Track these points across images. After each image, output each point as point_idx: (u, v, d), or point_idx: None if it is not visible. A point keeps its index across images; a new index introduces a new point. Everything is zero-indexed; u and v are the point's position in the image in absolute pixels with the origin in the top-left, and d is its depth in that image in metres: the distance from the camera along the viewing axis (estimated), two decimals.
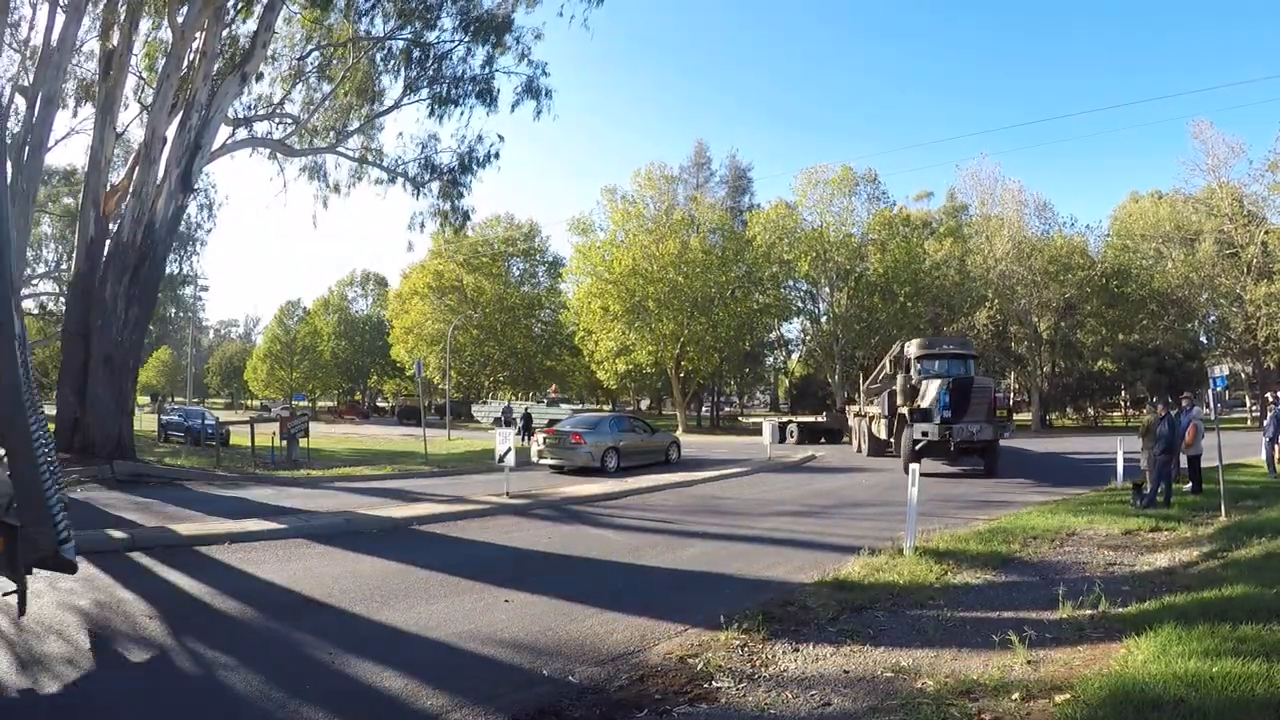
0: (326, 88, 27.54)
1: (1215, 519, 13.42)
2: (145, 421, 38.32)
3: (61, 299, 41.79)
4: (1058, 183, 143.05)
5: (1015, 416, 69.84)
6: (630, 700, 5.65)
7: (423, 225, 29.33)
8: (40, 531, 5.94)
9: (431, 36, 26.67)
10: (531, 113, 28.02)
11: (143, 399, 65.50)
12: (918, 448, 22.00)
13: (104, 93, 22.12)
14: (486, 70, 27.14)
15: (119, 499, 15.71)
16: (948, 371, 23.90)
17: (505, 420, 40.26)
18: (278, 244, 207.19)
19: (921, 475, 11.81)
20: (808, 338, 64.67)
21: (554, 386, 56.87)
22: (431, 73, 27.07)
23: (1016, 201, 59.80)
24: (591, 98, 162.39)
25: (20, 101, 22.73)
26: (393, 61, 27.05)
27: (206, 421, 37.85)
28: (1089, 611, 7.63)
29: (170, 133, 21.79)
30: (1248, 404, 62.85)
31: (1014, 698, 5.37)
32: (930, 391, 22.80)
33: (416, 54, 26.74)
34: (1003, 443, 23.59)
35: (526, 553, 11.64)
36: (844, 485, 20.86)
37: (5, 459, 6.33)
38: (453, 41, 26.80)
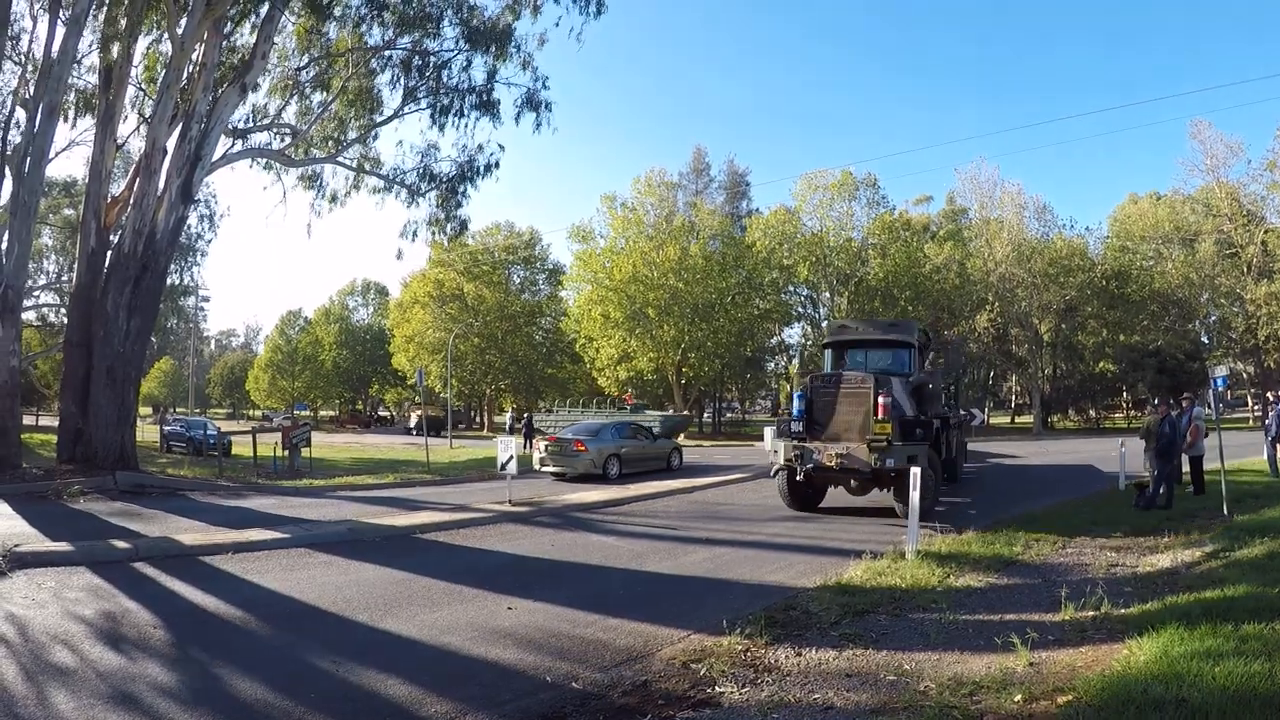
0: (325, 98, 27.53)
1: (1217, 519, 13.43)
2: (147, 432, 38.40)
3: (63, 310, 41.74)
4: (1057, 185, 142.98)
5: (1017, 419, 69.79)
6: (633, 706, 5.67)
7: (415, 234, 29.16)
8: None
9: (432, 45, 26.65)
10: (531, 124, 27.94)
11: (145, 410, 65.60)
12: (773, 474, 16.92)
13: (104, 104, 22.15)
14: (488, 81, 27.12)
15: (122, 509, 15.73)
16: (865, 367, 17.51)
17: (510, 428, 40.19)
18: (278, 254, 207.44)
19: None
20: (809, 343, 64.64)
21: (629, 392, 56.29)
22: (432, 82, 27.01)
23: (1016, 204, 59.80)
24: (591, 105, 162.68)
25: (21, 114, 22.77)
26: (392, 71, 27.05)
27: (209, 432, 37.92)
28: (1091, 613, 7.64)
29: (170, 144, 21.82)
30: (1249, 404, 62.81)
31: (1016, 699, 5.38)
32: None
33: (417, 63, 26.71)
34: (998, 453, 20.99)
35: (529, 560, 11.65)
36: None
37: None
38: (453, 51, 26.82)
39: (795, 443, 15.57)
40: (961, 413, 24.78)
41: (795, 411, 16.08)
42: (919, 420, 15.63)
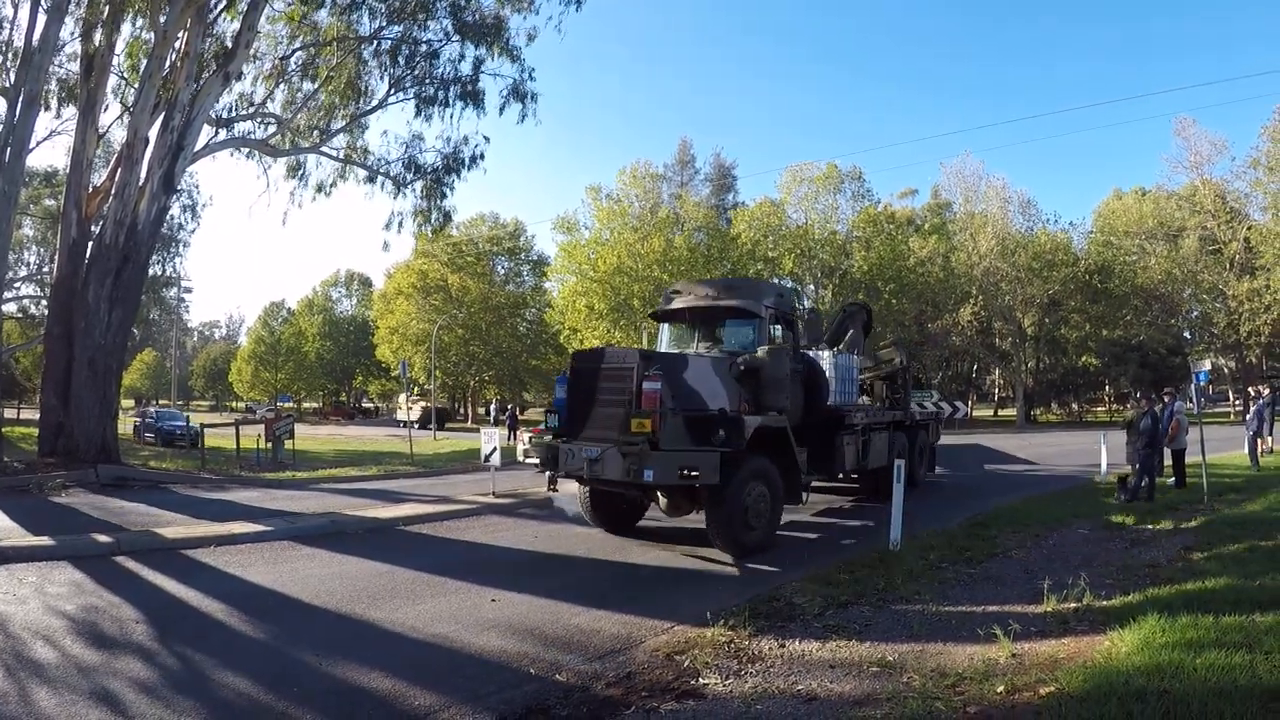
0: (310, 87, 27.37)
1: (1198, 512, 13.53)
2: (126, 425, 38.35)
3: (44, 302, 41.52)
4: (1041, 180, 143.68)
5: (1000, 412, 70.06)
6: (617, 698, 5.67)
7: (400, 225, 29.18)
8: None
9: (422, 35, 26.59)
10: (517, 115, 27.91)
11: (128, 402, 65.26)
12: (552, 489, 12.67)
13: (86, 94, 21.95)
14: (474, 72, 27.06)
15: (104, 503, 15.63)
16: (694, 344, 13.64)
17: (494, 419, 39.97)
18: (261, 244, 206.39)
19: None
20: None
21: None
22: (419, 72, 26.98)
23: (1000, 198, 60.10)
24: (577, 96, 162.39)
25: (1, 103, 22.55)
26: (380, 60, 26.94)
27: (177, 423, 38.48)
28: (1073, 605, 7.68)
29: (153, 133, 21.65)
30: (1231, 398, 63.28)
31: (999, 690, 5.41)
32: None
33: (405, 52, 26.63)
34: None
35: (513, 552, 11.64)
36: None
37: None
38: (441, 41, 26.74)
39: (551, 441, 12.00)
40: (919, 408, 20.79)
41: (556, 400, 12.59)
42: (726, 418, 11.13)
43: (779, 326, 12.97)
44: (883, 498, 15.10)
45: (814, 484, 15.38)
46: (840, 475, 15.23)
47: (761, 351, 12.48)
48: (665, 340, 14.40)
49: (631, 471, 10.36)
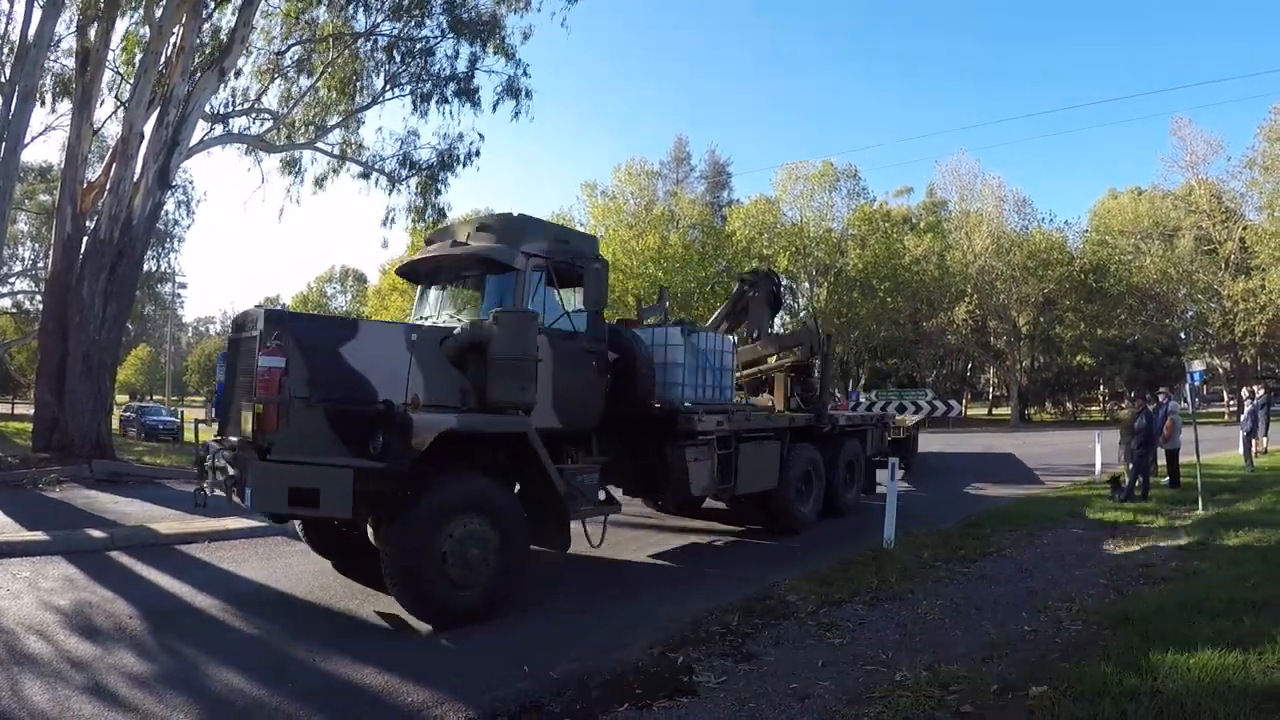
0: (306, 83, 27.34)
1: (1193, 512, 13.56)
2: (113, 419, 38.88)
3: (38, 297, 41.44)
4: (1037, 179, 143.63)
5: (994, 411, 70.20)
6: (612, 695, 5.66)
7: (394, 221, 29.39)
8: None
9: (418, 33, 26.62)
10: (510, 112, 28.04)
11: (123, 398, 65.13)
12: (198, 507, 8.75)
13: (81, 88, 21.88)
14: (470, 69, 27.15)
15: (98, 498, 15.56)
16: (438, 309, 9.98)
17: None
18: (256, 240, 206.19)
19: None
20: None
21: None
22: (415, 69, 27.02)
23: (996, 197, 60.21)
24: (572, 93, 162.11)
25: None
26: (376, 56, 26.97)
27: (160, 418, 40.76)
28: (1066, 604, 7.70)
29: (148, 129, 21.57)
30: (1225, 398, 63.41)
31: (992, 690, 5.41)
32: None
33: (401, 48, 26.66)
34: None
35: None
36: None
37: None
38: (437, 38, 26.78)
39: (213, 443, 8.58)
40: (903, 409, 16.86)
41: (217, 385, 9.21)
42: (386, 417, 7.35)
43: (568, 288, 9.83)
44: (778, 531, 12.58)
45: (705, 506, 13.43)
46: (678, 501, 12.22)
47: (491, 320, 8.09)
48: (428, 308, 10.13)
49: (229, 488, 7.58)
